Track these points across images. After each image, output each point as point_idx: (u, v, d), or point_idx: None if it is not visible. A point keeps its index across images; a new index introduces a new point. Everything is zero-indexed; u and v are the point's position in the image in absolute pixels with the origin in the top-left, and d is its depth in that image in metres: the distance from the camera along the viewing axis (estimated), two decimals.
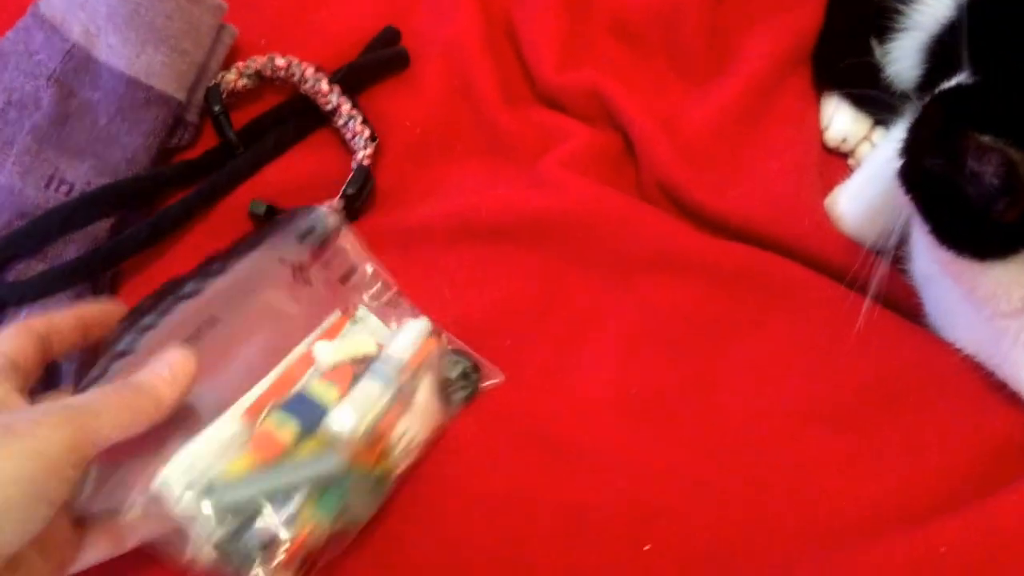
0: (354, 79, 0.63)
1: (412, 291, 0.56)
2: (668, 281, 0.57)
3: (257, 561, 0.42)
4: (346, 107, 0.61)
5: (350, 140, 0.61)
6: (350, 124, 0.61)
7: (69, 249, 0.55)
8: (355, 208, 0.59)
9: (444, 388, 0.51)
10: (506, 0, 0.68)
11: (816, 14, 0.68)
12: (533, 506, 0.50)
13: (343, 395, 0.47)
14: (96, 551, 0.42)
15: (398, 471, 0.48)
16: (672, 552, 0.49)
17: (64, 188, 0.56)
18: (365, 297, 0.53)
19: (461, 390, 0.52)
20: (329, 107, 0.61)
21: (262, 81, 0.63)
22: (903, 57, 0.63)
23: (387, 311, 0.53)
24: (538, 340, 0.55)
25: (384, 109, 0.63)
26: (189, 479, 0.42)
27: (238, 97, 0.62)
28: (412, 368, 0.49)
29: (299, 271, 0.51)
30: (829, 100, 0.66)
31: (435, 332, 0.52)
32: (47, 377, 0.46)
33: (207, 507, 0.42)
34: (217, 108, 0.60)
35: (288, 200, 0.59)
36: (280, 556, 0.42)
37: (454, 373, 0.52)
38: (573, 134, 0.62)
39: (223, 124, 0.60)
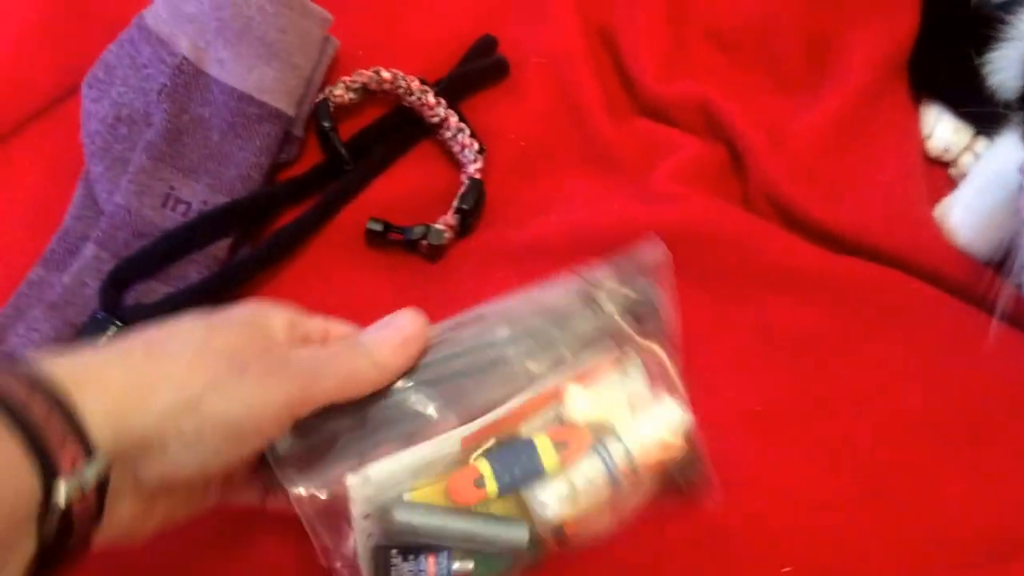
0: (455, 90, 0.63)
1: None
2: (788, 297, 0.57)
3: None
4: (453, 119, 0.60)
5: (458, 153, 0.61)
6: (458, 137, 0.60)
7: (191, 269, 0.54)
8: (468, 224, 0.58)
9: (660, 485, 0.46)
10: (602, 8, 0.67)
11: (913, 21, 0.67)
12: (667, 529, 0.50)
13: (565, 467, 0.43)
14: (249, 495, 0.43)
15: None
16: (811, 572, 0.49)
17: (181, 208, 0.55)
18: (654, 346, 0.47)
19: (683, 487, 0.47)
20: (435, 119, 0.61)
21: (367, 95, 0.62)
22: (1007, 67, 0.63)
23: (655, 371, 0.47)
24: None
25: (486, 120, 0.63)
26: (378, 488, 0.41)
27: (341, 111, 0.61)
28: (645, 473, 0.44)
29: (593, 287, 0.47)
30: (930, 109, 0.66)
31: (688, 433, 0.46)
32: None
33: (371, 524, 0.41)
34: (327, 123, 0.59)
35: (399, 216, 0.58)
36: None
37: (679, 476, 0.47)
38: (680, 146, 0.62)
39: (334, 140, 0.59)
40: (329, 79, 0.62)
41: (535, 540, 0.43)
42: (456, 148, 0.61)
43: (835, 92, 0.64)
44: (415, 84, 0.60)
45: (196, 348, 0.36)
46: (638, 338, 0.46)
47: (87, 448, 0.31)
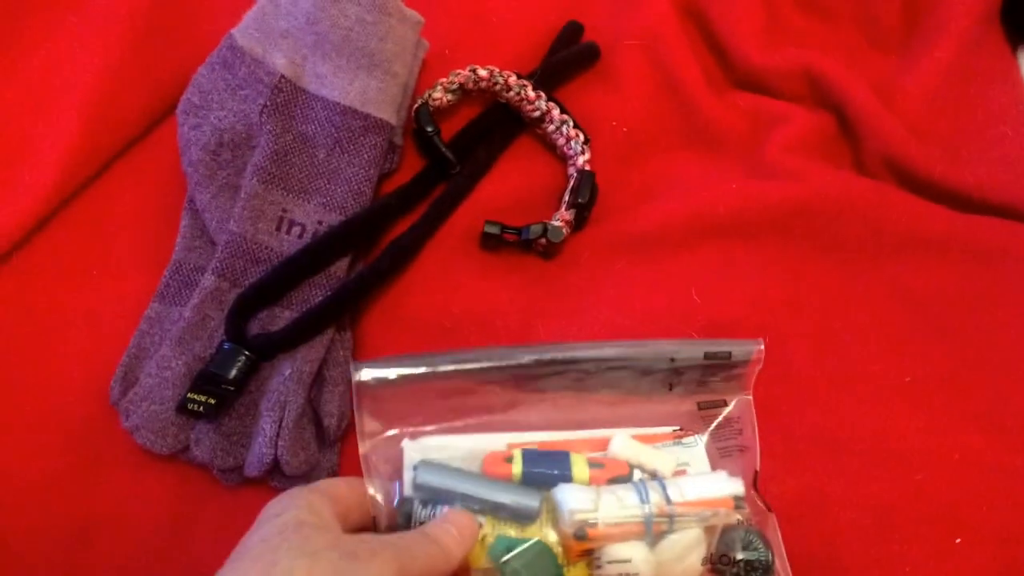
0: (550, 80, 0.61)
1: (656, 298, 0.55)
2: (922, 262, 0.55)
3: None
4: (556, 112, 0.59)
5: (563, 145, 0.59)
6: (563, 129, 0.59)
7: (313, 292, 0.53)
8: (584, 217, 0.57)
9: (717, 559, 0.45)
10: None
11: None
12: (838, 509, 0.49)
13: (593, 483, 0.46)
14: None
15: None
16: (984, 541, 0.48)
17: (296, 230, 0.54)
18: (707, 433, 0.50)
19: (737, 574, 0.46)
20: (537, 114, 0.59)
21: (464, 95, 0.60)
22: None
23: (720, 462, 0.49)
24: (795, 335, 0.54)
25: (583, 108, 0.61)
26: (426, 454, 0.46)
27: (437, 114, 0.60)
28: (687, 511, 0.45)
29: (675, 376, 0.49)
30: None
31: (740, 501, 0.46)
32: None
33: (409, 472, 0.46)
34: (430, 128, 0.57)
35: (509, 215, 0.57)
36: None
37: (739, 554, 0.46)
38: (787, 117, 0.60)
39: (438, 144, 0.57)
40: (421, 82, 0.61)
41: (549, 534, 0.45)
42: (560, 141, 0.59)
43: (936, 46, 0.62)
44: (512, 79, 0.59)
45: (305, 553, 0.38)
46: (701, 424, 0.50)
47: None
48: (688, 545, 0.44)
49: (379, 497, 0.45)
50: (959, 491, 0.49)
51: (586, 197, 0.56)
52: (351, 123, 0.55)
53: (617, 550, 0.44)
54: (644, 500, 0.44)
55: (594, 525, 0.43)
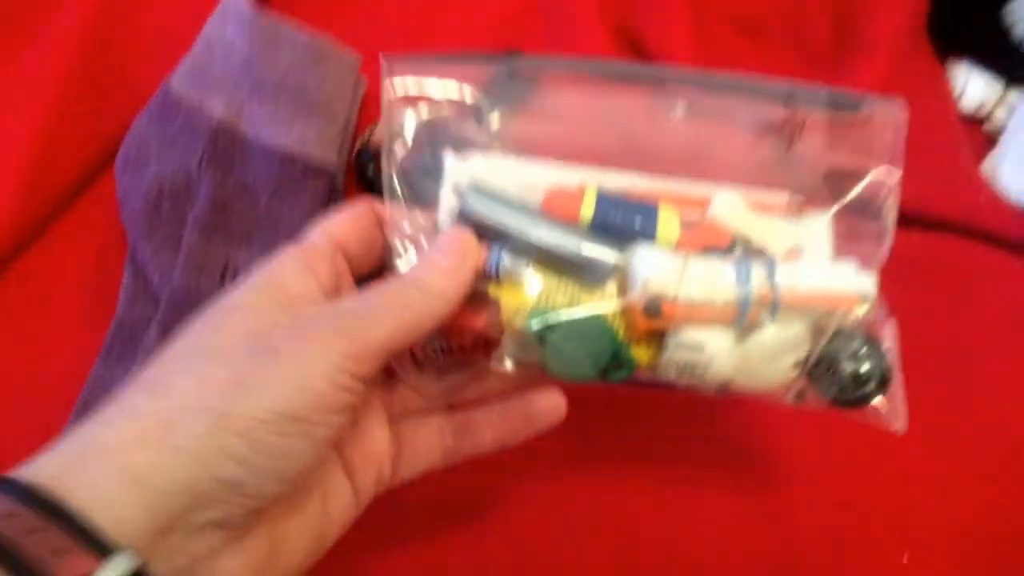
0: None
1: None
2: None
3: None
4: None
5: None
6: None
7: None
8: None
9: (814, 366, 0.37)
10: (625, 7, 0.66)
11: None
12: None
13: (683, 250, 0.36)
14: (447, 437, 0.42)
15: (648, 373, 0.38)
16: (930, 560, 0.49)
17: (241, 279, 0.53)
18: (838, 204, 0.38)
19: (836, 389, 0.37)
20: None
21: None
22: None
23: (849, 246, 0.39)
24: None
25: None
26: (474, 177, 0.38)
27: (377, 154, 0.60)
28: (795, 301, 0.35)
29: (793, 124, 0.39)
30: (958, 67, 0.66)
31: (868, 301, 0.36)
32: None
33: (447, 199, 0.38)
34: (371, 170, 0.57)
35: None
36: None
37: (846, 362, 0.36)
38: None
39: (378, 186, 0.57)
40: (361, 119, 0.60)
41: (620, 310, 0.36)
42: None
43: (867, 61, 0.64)
44: None
45: (203, 357, 0.32)
46: (825, 197, 0.38)
47: (103, 550, 0.27)
48: (786, 343, 0.36)
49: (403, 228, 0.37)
50: (910, 507, 0.50)
51: None
52: (291, 168, 0.54)
53: (695, 333, 0.35)
54: (744, 280, 0.35)
55: (673, 300, 0.35)
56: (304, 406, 0.31)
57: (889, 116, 0.39)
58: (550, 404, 0.40)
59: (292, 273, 0.36)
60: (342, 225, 0.39)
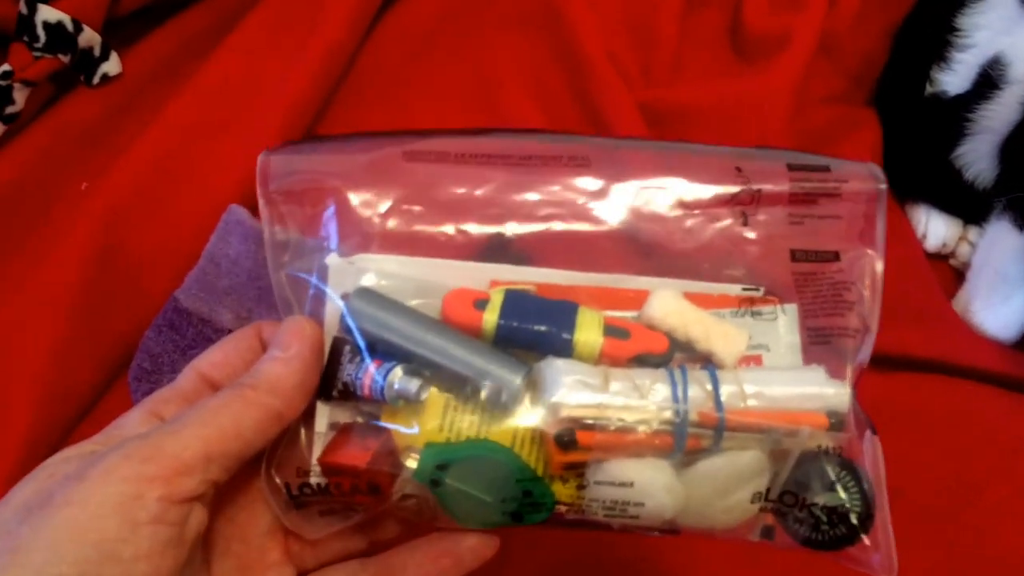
0: None
1: None
2: None
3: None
4: None
5: None
6: None
7: None
8: None
9: (779, 500, 0.31)
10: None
11: (876, 126, 0.72)
12: None
13: (605, 362, 0.31)
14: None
15: (572, 512, 0.32)
16: None
17: None
18: (805, 295, 0.33)
19: (807, 527, 0.31)
20: None
21: None
22: (979, 160, 0.67)
23: (812, 351, 0.32)
24: None
25: None
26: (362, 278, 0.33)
27: None
28: (746, 422, 0.29)
29: (745, 195, 0.33)
30: (917, 209, 0.70)
31: (838, 419, 0.31)
32: None
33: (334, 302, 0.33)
34: None
35: None
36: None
37: (819, 494, 0.30)
38: None
39: None
40: None
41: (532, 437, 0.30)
42: None
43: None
44: None
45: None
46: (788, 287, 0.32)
47: None
48: (739, 474, 0.30)
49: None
50: None
51: None
52: None
53: (620, 468, 0.29)
54: (680, 398, 0.29)
55: (589, 427, 0.29)
56: (90, 557, 0.26)
57: (864, 182, 0.33)
58: (482, 544, 0.35)
59: (133, 421, 0.33)
60: (213, 358, 0.35)
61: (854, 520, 0.31)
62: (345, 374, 0.32)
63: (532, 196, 0.34)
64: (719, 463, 0.30)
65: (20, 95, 0.60)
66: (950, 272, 0.69)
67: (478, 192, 0.34)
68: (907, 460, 0.57)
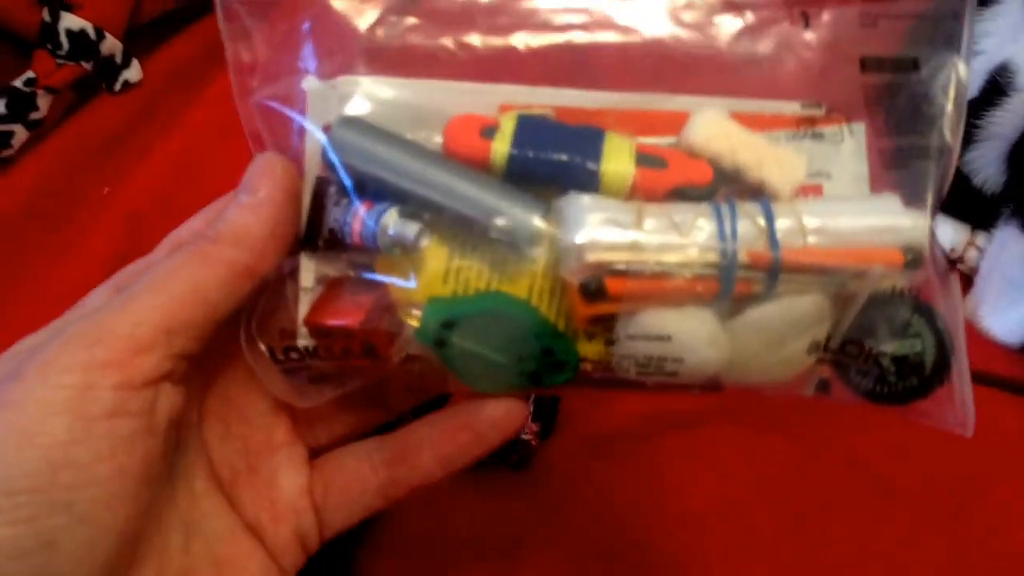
0: None
1: (628, 494, 0.57)
2: (865, 429, 0.59)
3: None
4: None
5: None
6: None
7: None
8: (551, 427, 0.60)
9: (840, 349, 0.26)
10: None
11: None
12: None
13: (637, 196, 0.26)
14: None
15: (600, 369, 0.28)
16: None
17: None
18: (878, 111, 0.27)
19: (873, 377, 0.27)
20: None
21: None
22: (987, 166, 0.68)
23: (886, 176, 0.27)
24: (765, 515, 0.57)
25: None
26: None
27: None
28: (806, 262, 0.25)
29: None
30: None
31: (915, 254, 0.25)
32: None
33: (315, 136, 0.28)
34: None
35: None
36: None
37: (888, 342, 0.26)
38: None
39: None
40: None
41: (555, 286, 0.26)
42: None
43: None
44: None
45: None
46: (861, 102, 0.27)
47: None
48: (796, 322, 0.26)
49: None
50: None
51: (548, 404, 0.59)
52: None
53: (656, 319, 0.25)
54: (726, 234, 0.25)
55: (621, 273, 0.25)
56: (40, 467, 0.22)
57: None
58: (501, 410, 0.30)
59: (96, 299, 0.29)
60: (192, 224, 0.32)
61: (928, 370, 0.27)
62: (332, 219, 0.27)
63: (548, 1, 0.29)
64: (772, 311, 0.25)
65: (44, 102, 0.61)
66: (958, 277, 0.69)
67: None
68: (912, 460, 0.58)
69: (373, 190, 0.27)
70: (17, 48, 0.62)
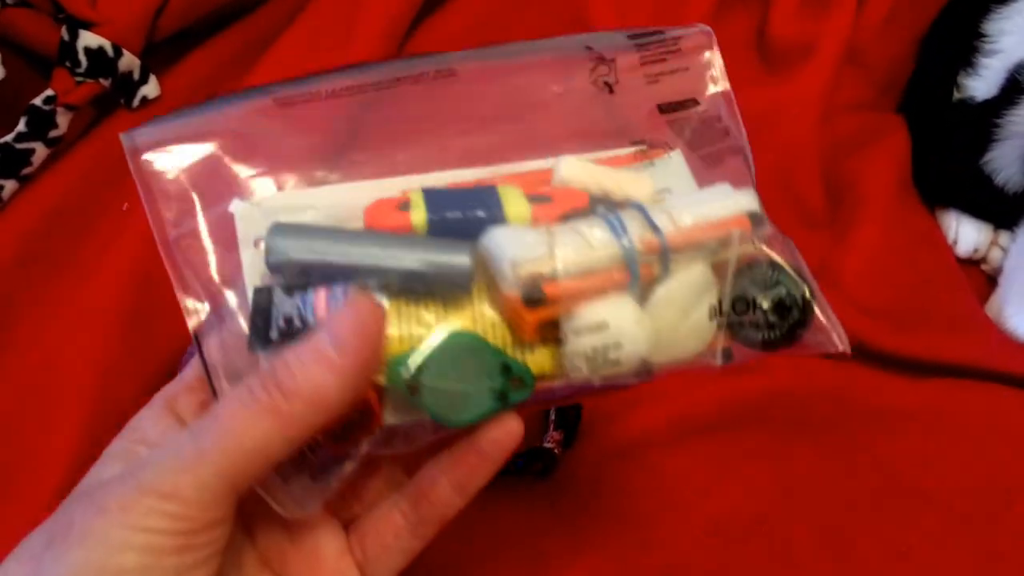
0: None
1: (654, 501, 0.57)
2: (894, 432, 0.59)
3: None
4: None
5: None
6: None
7: None
8: (573, 435, 0.59)
9: (732, 311, 0.32)
10: None
11: (905, 137, 0.72)
12: None
13: (540, 221, 0.32)
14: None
15: (556, 380, 0.32)
16: None
17: None
18: (683, 138, 0.36)
19: (762, 328, 0.33)
20: None
21: None
22: (1008, 165, 0.68)
23: (712, 172, 0.36)
24: (790, 519, 0.56)
25: None
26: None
27: None
28: (684, 239, 0.31)
29: (603, 68, 0.36)
30: (947, 215, 0.70)
31: (758, 218, 0.33)
32: None
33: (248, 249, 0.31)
34: None
35: None
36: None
37: (763, 294, 0.32)
38: None
39: None
40: None
41: (483, 302, 0.30)
42: None
43: (863, 220, 0.68)
44: None
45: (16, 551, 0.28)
46: (672, 132, 0.36)
47: None
48: (693, 290, 0.32)
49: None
50: None
51: (571, 414, 0.59)
52: None
53: (591, 312, 0.30)
54: (621, 232, 0.30)
55: (552, 278, 0.29)
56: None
57: (695, 38, 0.37)
58: (500, 431, 0.32)
59: (149, 421, 0.32)
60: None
61: (800, 308, 0.33)
62: (285, 311, 0.29)
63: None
64: (673, 285, 0.31)
65: (63, 119, 0.62)
66: (982, 277, 0.69)
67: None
68: (943, 466, 0.57)
69: (316, 276, 0.30)
70: (36, 66, 0.63)
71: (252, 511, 0.34)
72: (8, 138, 0.59)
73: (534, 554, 0.56)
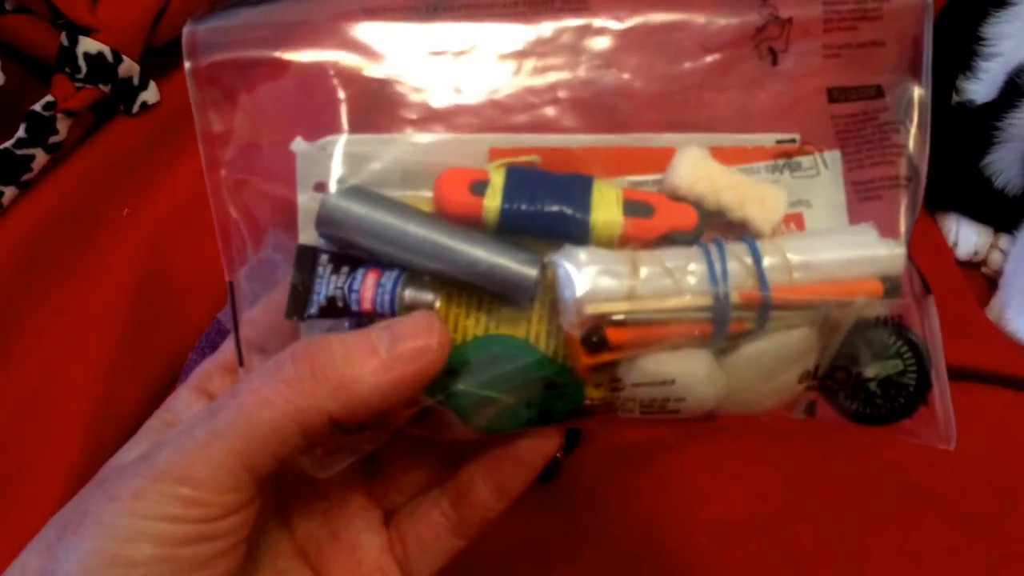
0: None
1: (657, 504, 0.57)
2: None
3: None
4: None
5: None
6: None
7: None
8: (576, 440, 0.59)
9: (827, 376, 0.27)
10: None
11: None
12: None
13: (628, 244, 0.27)
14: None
15: (603, 410, 0.29)
16: None
17: None
18: (847, 140, 0.28)
19: (860, 400, 0.28)
20: None
21: None
22: (1008, 168, 0.68)
23: (859, 206, 0.28)
24: (794, 519, 0.56)
25: None
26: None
27: None
28: (794, 298, 0.26)
29: (773, 28, 0.28)
30: (947, 218, 0.70)
31: (893, 283, 0.27)
32: None
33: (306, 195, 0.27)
34: None
35: None
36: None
37: (871, 366, 0.27)
38: None
39: None
40: None
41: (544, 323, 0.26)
42: None
43: None
44: None
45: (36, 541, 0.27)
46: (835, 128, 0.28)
47: None
48: (786, 356, 0.27)
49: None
50: None
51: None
52: None
53: (658, 364, 0.26)
54: (717, 278, 0.25)
55: (620, 324, 0.25)
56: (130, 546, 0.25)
57: (905, 3, 0.28)
58: (539, 436, 0.31)
59: (182, 402, 0.31)
60: (255, 317, 0.32)
61: (911, 390, 0.28)
62: (331, 287, 0.27)
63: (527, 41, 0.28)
64: (764, 346, 0.26)
65: (63, 125, 0.62)
66: (982, 280, 0.69)
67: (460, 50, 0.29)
68: (945, 468, 0.57)
69: (367, 257, 0.27)
70: (36, 72, 0.63)
71: (290, 500, 0.33)
72: (8, 144, 0.59)
73: (536, 558, 0.56)
